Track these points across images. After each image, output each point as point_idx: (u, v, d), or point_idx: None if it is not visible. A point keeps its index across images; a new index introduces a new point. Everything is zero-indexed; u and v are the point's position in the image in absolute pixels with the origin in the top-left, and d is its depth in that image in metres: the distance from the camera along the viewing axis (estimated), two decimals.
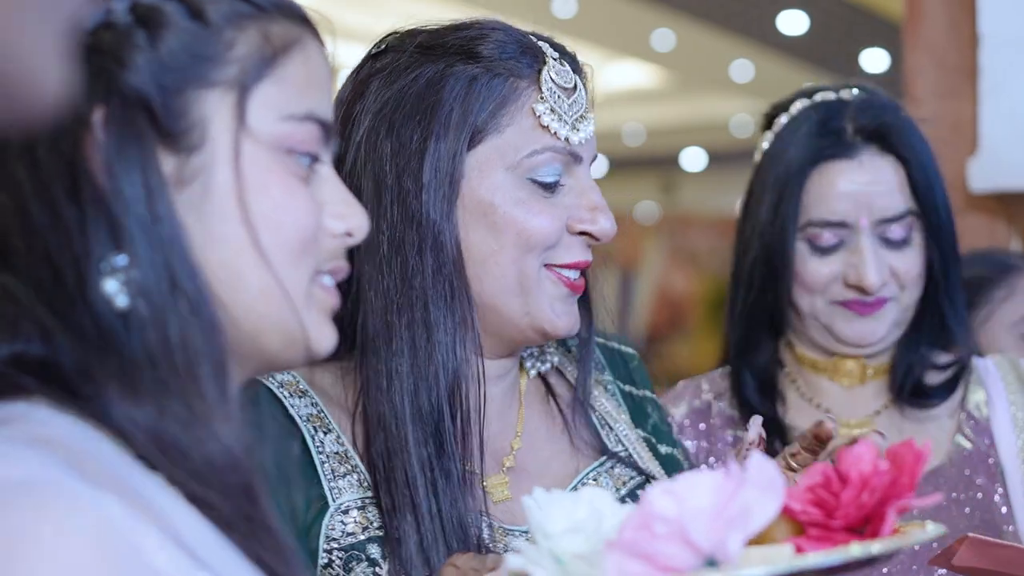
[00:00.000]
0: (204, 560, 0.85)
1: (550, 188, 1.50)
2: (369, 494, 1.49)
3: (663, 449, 1.71)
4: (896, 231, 2.00)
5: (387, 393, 1.47)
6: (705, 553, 1.15)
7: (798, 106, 2.06)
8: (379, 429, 1.47)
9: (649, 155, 9.71)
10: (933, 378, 2.08)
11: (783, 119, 2.06)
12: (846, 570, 1.21)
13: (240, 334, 0.98)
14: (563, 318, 1.52)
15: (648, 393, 1.76)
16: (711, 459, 2.04)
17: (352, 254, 1.48)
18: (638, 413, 1.71)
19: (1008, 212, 3.19)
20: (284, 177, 0.99)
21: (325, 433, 1.50)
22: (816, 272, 2.00)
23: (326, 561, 1.46)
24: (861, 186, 1.98)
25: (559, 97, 1.51)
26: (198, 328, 0.92)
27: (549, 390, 1.65)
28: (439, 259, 1.47)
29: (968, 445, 2.04)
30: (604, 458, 1.63)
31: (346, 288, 1.49)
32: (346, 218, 1.03)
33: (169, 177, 0.94)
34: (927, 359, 2.08)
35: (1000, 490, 2.01)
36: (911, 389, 2.06)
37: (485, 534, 1.50)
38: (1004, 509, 2.01)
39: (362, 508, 1.48)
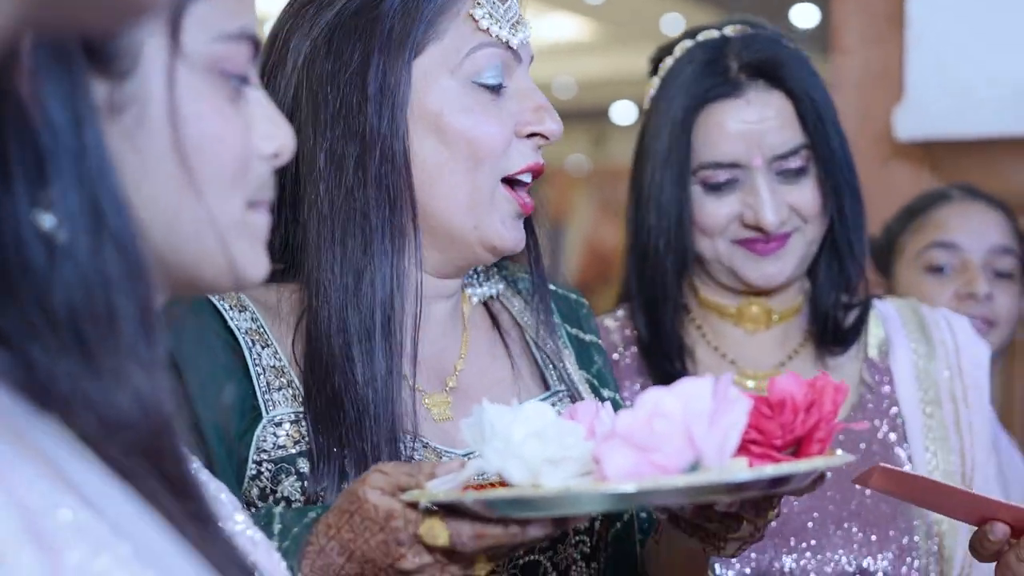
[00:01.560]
0: (104, 512, 0.81)
1: (495, 91, 1.51)
2: (303, 409, 1.50)
3: (606, 393, 1.74)
4: (791, 165, 1.97)
5: (324, 308, 1.48)
6: (700, 454, 1.21)
7: (682, 47, 2.02)
8: (316, 343, 1.49)
9: (579, 108, 9.71)
10: (842, 319, 2.08)
11: (668, 62, 2.03)
12: (784, 484, 1.31)
13: (170, 266, 0.96)
14: (512, 232, 1.54)
15: (595, 339, 1.79)
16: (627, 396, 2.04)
17: (289, 175, 1.50)
18: (583, 357, 1.75)
19: (933, 160, 3.23)
20: (217, 102, 0.95)
21: (263, 347, 1.52)
22: (713, 214, 1.98)
23: (255, 472, 1.48)
24: (750, 124, 1.96)
25: (495, 3, 1.52)
26: (124, 269, 0.86)
27: (494, 320, 1.68)
28: (381, 171, 1.47)
29: (870, 395, 2.05)
30: (547, 393, 1.66)
31: (286, 210, 1.52)
32: (274, 138, 1.01)
33: (100, 105, 0.89)
34: (833, 300, 2.07)
35: (900, 439, 2.03)
36: (821, 332, 2.06)
37: (418, 455, 1.52)
38: (904, 455, 2.03)
39: (295, 422, 1.50)
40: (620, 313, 2.10)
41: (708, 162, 1.97)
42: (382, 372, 1.49)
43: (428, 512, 1.30)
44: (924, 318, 2.12)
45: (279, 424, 1.49)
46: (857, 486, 1.86)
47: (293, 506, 1.47)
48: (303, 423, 1.50)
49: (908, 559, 1.96)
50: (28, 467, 0.78)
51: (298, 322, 1.54)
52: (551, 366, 1.68)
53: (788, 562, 1.93)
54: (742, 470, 1.24)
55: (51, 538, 0.75)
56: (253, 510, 1.46)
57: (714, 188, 1.98)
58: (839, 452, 1.36)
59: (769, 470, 1.26)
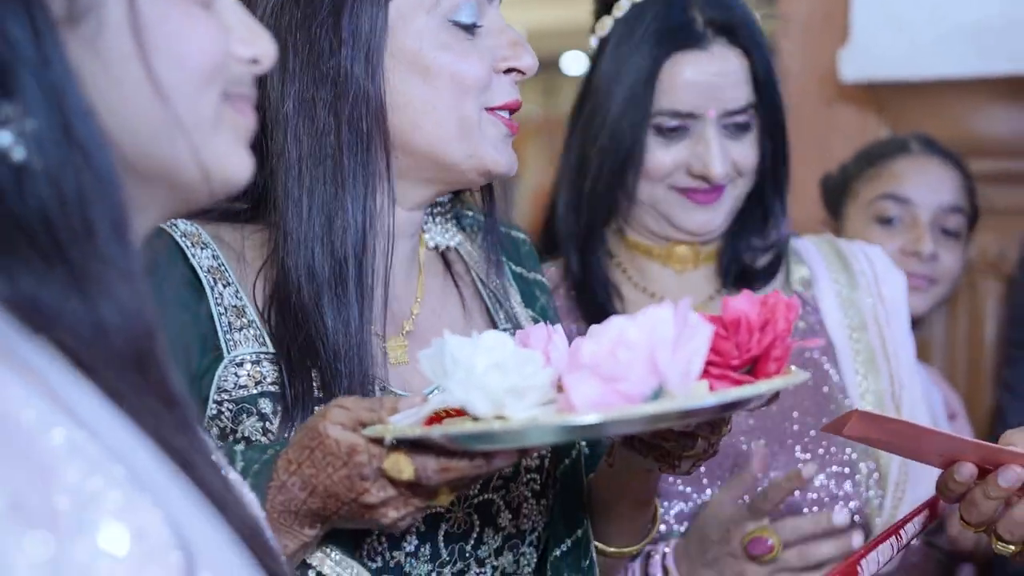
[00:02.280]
0: (98, 434, 0.81)
1: (470, 30, 1.52)
2: (264, 349, 1.51)
3: None
4: (738, 121, 2.03)
5: (296, 252, 1.48)
6: (664, 380, 1.23)
7: None
8: (286, 290, 1.49)
9: None
10: (757, 261, 2.13)
11: (624, 4, 2.04)
12: (743, 403, 1.33)
13: (145, 178, 0.93)
14: (505, 156, 1.55)
15: (539, 276, 1.81)
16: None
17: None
18: (528, 294, 1.77)
19: (878, 102, 3.23)
20: (183, 4, 0.92)
21: (224, 286, 1.52)
22: (660, 160, 2.02)
23: (215, 412, 1.48)
24: (711, 77, 2.00)
25: None
26: (94, 180, 0.85)
27: (447, 265, 1.69)
28: (355, 114, 1.48)
29: (801, 324, 2.10)
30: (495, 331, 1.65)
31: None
32: (252, 43, 0.98)
33: (59, 15, 0.86)
34: (751, 244, 2.13)
35: (832, 364, 2.09)
36: (736, 274, 2.11)
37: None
38: (837, 381, 2.08)
39: (256, 362, 1.50)
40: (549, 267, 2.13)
41: (666, 109, 2.01)
42: (355, 318, 1.49)
43: (392, 447, 1.31)
44: (842, 251, 2.18)
45: (240, 364, 1.49)
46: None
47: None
48: (264, 363, 1.50)
49: (847, 477, 2.01)
50: (23, 386, 0.78)
51: (262, 265, 1.54)
52: (499, 305, 1.70)
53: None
54: (706, 395, 1.26)
55: (45, 457, 0.76)
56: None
57: (664, 134, 2.02)
58: (794, 369, 1.38)
59: (733, 393, 1.28)
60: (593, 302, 2.07)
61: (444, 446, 1.28)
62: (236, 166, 0.98)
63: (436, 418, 1.34)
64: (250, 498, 1.10)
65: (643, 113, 2.01)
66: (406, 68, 1.50)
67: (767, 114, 2.05)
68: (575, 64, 10.21)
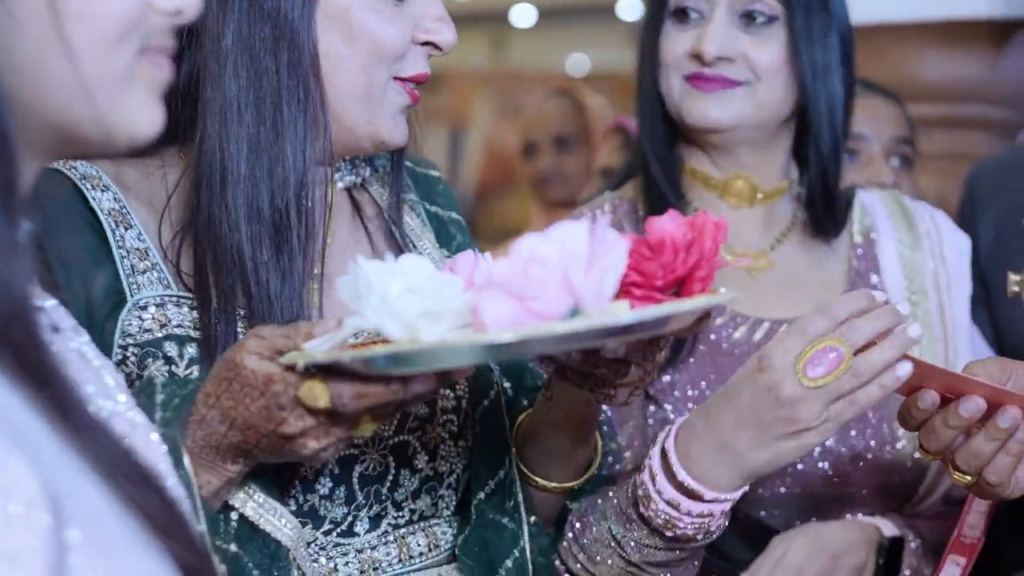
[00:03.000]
0: None
1: None
2: (169, 292, 1.50)
3: None
4: (756, 11, 1.96)
5: (222, 195, 1.47)
6: (579, 299, 1.20)
7: None
8: (209, 230, 1.48)
9: (478, 11, 9.61)
10: (840, 207, 2.06)
11: None
12: (668, 324, 1.30)
13: (55, 128, 0.93)
14: (401, 128, 1.57)
15: (454, 215, 1.80)
16: None
17: (185, 48, 1.49)
18: (443, 234, 1.76)
19: None
20: None
21: (126, 228, 1.50)
22: (672, 46, 1.99)
23: (120, 357, 1.47)
24: None
25: None
26: None
27: (355, 205, 1.68)
28: (294, 58, 1.48)
29: (861, 283, 2.04)
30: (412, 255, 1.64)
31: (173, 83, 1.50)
32: None
33: None
34: (825, 185, 2.04)
35: None
36: (823, 216, 2.03)
37: None
38: None
39: (161, 305, 1.49)
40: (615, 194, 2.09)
41: None
42: (299, 268, 1.49)
43: (308, 374, 1.29)
44: (908, 209, 2.12)
45: (144, 308, 1.48)
46: None
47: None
48: (169, 307, 1.49)
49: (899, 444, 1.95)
50: None
51: (167, 205, 1.52)
52: (411, 246, 1.69)
53: None
54: (623, 313, 1.22)
55: None
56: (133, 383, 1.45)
57: (681, 21, 1.99)
58: (722, 290, 1.36)
59: (649, 312, 1.24)
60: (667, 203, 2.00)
61: (359, 371, 1.26)
62: (145, 121, 0.97)
63: (357, 346, 1.32)
64: (153, 451, 1.08)
65: (661, 2, 2.00)
66: (332, 23, 1.50)
67: (796, 16, 1.96)
68: (523, 16, 10.17)
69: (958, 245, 2.10)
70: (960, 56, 3.05)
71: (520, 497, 1.64)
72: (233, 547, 1.39)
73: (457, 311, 1.23)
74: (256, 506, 1.41)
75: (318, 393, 1.27)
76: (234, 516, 1.41)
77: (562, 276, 1.19)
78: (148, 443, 1.11)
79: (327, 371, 1.28)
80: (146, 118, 0.97)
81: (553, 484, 1.67)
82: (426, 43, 1.55)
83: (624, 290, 1.28)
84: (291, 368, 1.29)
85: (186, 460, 1.32)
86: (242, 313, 1.49)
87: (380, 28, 1.51)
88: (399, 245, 1.69)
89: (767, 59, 1.96)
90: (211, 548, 1.33)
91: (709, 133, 2.00)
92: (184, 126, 1.52)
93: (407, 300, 1.21)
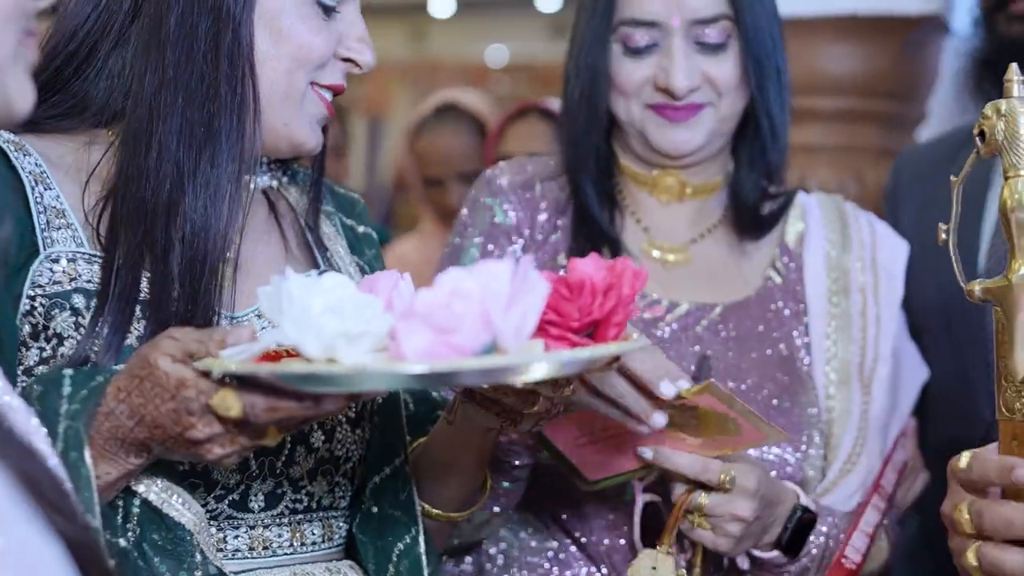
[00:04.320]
0: None
1: (328, 11, 1.59)
2: (82, 250, 1.52)
3: None
4: (711, 35, 1.97)
5: (146, 158, 1.50)
6: (497, 335, 1.22)
7: None
8: (127, 188, 1.50)
9: (397, 2, 9.60)
10: (763, 207, 2.08)
11: None
12: (579, 368, 1.34)
13: None
14: (316, 136, 1.63)
15: (369, 231, 1.84)
16: (526, 231, 2.03)
17: (101, 30, 1.54)
18: (355, 245, 1.80)
19: None
20: None
21: (46, 189, 1.53)
22: (629, 75, 1.99)
23: (28, 308, 1.48)
24: None
25: None
26: None
27: (270, 206, 1.71)
28: (234, 50, 1.53)
29: (779, 279, 2.06)
30: (319, 272, 1.68)
31: (87, 63, 1.57)
32: None
33: None
34: (760, 186, 2.07)
35: (802, 327, 2.04)
36: (739, 216, 2.06)
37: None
38: (802, 346, 2.03)
39: (72, 260, 1.51)
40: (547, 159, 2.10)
41: (628, 19, 1.98)
42: (218, 250, 1.51)
43: (221, 382, 1.30)
44: (845, 212, 2.13)
45: (56, 260, 1.50)
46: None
47: (66, 343, 1.47)
48: (80, 262, 1.51)
49: (803, 447, 1.98)
50: None
51: (88, 178, 1.55)
52: (325, 250, 1.73)
53: None
54: (537, 354, 1.25)
55: None
56: (39, 369, 1.46)
57: (634, 52, 1.99)
58: (635, 336, 1.39)
59: (565, 355, 1.27)
60: (593, 224, 2.03)
61: (273, 385, 1.27)
62: (25, 97, 1.00)
63: (272, 357, 1.33)
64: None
65: (606, 23, 1.99)
66: (264, 23, 1.56)
67: (748, 28, 1.98)
68: (442, 7, 10.17)
69: (893, 249, 2.12)
70: (861, 51, 3.10)
71: (412, 488, 1.67)
72: (122, 542, 1.40)
73: (376, 333, 1.24)
74: (159, 491, 1.43)
75: (231, 403, 1.29)
76: (136, 501, 1.42)
77: (482, 312, 1.21)
78: (28, 424, 1.11)
79: (241, 381, 1.29)
80: (26, 97, 1.00)
81: (436, 512, 1.70)
82: (347, 60, 1.61)
83: (540, 327, 1.30)
84: (205, 374, 1.30)
85: (87, 452, 1.33)
86: (147, 276, 1.51)
87: (306, 35, 1.57)
88: (311, 248, 1.72)
89: (727, 77, 1.99)
90: (103, 540, 1.34)
91: (680, 158, 2.02)
92: (114, 112, 1.57)
93: (328, 319, 1.22)
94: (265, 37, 1.56)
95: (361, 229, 1.82)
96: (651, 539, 1.85)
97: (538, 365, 1.25)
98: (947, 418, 2.22)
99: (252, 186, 1.65)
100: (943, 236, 1.53)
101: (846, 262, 2.08)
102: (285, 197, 1.74)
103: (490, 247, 2.03)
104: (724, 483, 1.75)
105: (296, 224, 1.73)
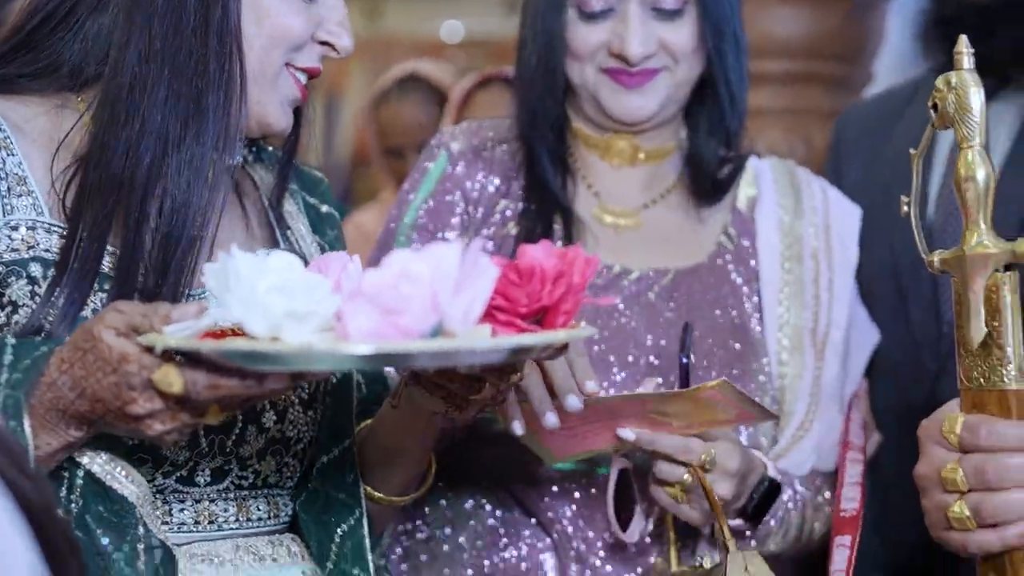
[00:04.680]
0: None
1: None
2: (42, 219, 1.50)
3: None
4: (668, 1, 1.96)
5: (127, 153, 1.49)
6: (444, 319, 1.21)
7: None
8: (102, 157, 1.49)
9: None
10: (719, 171, 2.07)
11: None
12: (526, 352, 1.34)
13: None
14: (286, 117, 1.62)
15: (332, 211, 1.83)
16: (474, 195, 2.02)
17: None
18: (318, 225, 1.79)
19: None
20: None
21: (9, 155, 1.51)
22: (584, 40, 1.98)
23: None
24: None
25: None
26: None
27: (234, 183, 1.69)
28: (224, 26, 1.52)
29: (730, 245, 2.06)
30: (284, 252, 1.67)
31: (61, 26, 1.55)
32: None
33: None
34: (716, 152, 2.07)
35: (754, 293, 2.04)
36: (693, 180, 2.05)
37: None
38: (754, 312, 2.03)
39: (32, 229, 1.50)
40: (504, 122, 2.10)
41: None
42: (197, 227, 1.50)
43: (164, 358, 1.29)
44: (797, 177, 2.13)
45: (15, 228, 1.49)
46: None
47: (20, 311, 1.47)
48: (39, 231, 1.49)
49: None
50: None
51: (59, 146, 1.53)
52: (286, 228, 1.72)
53: None
54: (483, 339, 1.25)
55: None
56: None
57: (589, 16, 1.97)
58: (583, 325, 1.39)
59: (510, 341, 1.27)
60: (545, 190, 2.02)
61: (216, 363, 1.27)
62: None
63: (218, 335, 1.32)
64: None
65: None
66: (247, 2, 1.55)
67: None
68: None
69: (845, 215, 2.11)
70: (808, 14, 3.12)
71: (359, 471, 1.67)
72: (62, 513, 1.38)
73: (323, 314, 1.23)
74: (103, 463, 1.43)
75: (172, 379, 1.28)
76: (80, 473, 1.42)
77: (430, 294, 1.20)
78: None
79: (184, 357, 1.28)
80: None
81: (379, 495, 1.70)
82: (324, 43, 1.61)
83: (488, 313, 1.29)
84: (148, 349, 1.29)
85: (26, 421, 1.33)
86: (110, 250, 1.50)
87: (287, 16, 1.57)
88: (272, 226, 1.71)
89: (683, 43, 1.97)
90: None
91: (634, 124, 2.01)
92: (87, 78, 1.56)
93: (274, 298, 1.22)
94: (248, 15, 1.56)
95: (324, 209, 1.82)
96: (623, 503, 1.87)
97: (483, 350, 1.25)
98: (893, 377, 2.25)
99: (235, 162, 1.63)
100: (905, 208, 1.55)
101: (799, 228, 2.07)
102: (250, 175, 1.74)
103: (432, 204, 2.02)
104: (705, 463, 1.75)
105: (259, 202, 1.72)
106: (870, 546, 2.25)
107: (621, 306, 1.98)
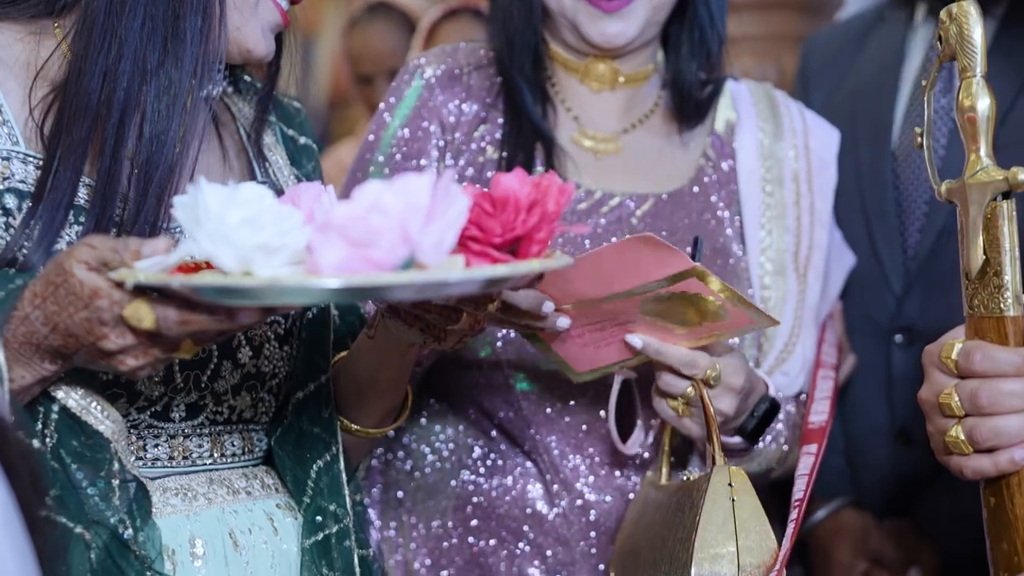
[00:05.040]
0: None
1: None
2: (17, 148, 1.49)
3: None
4: None
5: (105, 78, 1.47)
6: (415, 251, 1.19)
7: None
8: (79, 82, 1.47)
9: None
10: (698, 93, 2.05)
11: None
12: (501, 282, 1.31)
13: None
14: (268, 43, 1.60)
15: (309, 142, 1.81)
16: (450, 121, 2.00)
17: None
18: (296, 156, 1.77)
19: None
20: None
21: None
22: None
23: None
24: None
25: None
26: None
27: (211, 114, 1.68)
28: None
29: (711, 169, 2.04)
30: (256, 183, 1.66)
31: None
32: None
33: None
34: (696, 73, 2.04)
35: (735, 217, 2.03)
36: (674, 101, 2.03)
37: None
38: (735, 236, 2.02)
39: (7, 159, 1.49)
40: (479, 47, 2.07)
41: None
42: (175, 155, 1.48)
43: (135, 293, 1.28)
44: (776, 99, 2.11)
45: None
46: None
47: None
48: (15, 162, 1.48)
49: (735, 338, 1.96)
50: None
51: (37, 74, 1.51)
52: (264, 160, 1.70)
53: None
54: (456, 271, 1.23)
55: None
56: None
57: None
58: (557, 253, 1.38)
59: (483, 272, 1.25)
60: (525, 116, 2.00)
61: (187, 297, 1.26)
62: None
63: (191, 269, 1.31)
64: None
65: None
66: None
67: None
68: None
69: (825, 137, 2.11)
70: None
71: (334, 406, 1.67)
72: (36, 443, 1.39)
73: (293, 247, 1.22)
74: (78, 398, 1.43)
75: (143, 314, 1.28)
76: (55, 407, 1.42)
77: (401, 226, 1.18)
78: None
79: (154, 292, 1.28)
80: None
81: (356, 427, 1.70)
82: None
83: (461, 243, 1.28)
84: (120, 285, 1.29)
85: (1, 354, 1.33)
86: (85, 181, 1.49)
87: None
88: (250, 158, 1.70)
89: None
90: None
91: (614, 49, 1.99)
92: (65, 3, 1.54)
93: (244, 231, 1.20)
94: None
95: (302, 140, 1.80)
96: (625, 416, 1.88)
97: (457, 282, 1.23)
98: (860, 298, 2.26)
99: (215, 92, 1.62)
100: (919, 140, 1.55)
101: (779, 150, 2.06)
102: (228, 105, 1.72)
103: (407, 132, 2.00)
104: (710, 379, 1.75)
105: (237, 134, 1.71)
106: (836, 467, 2.28)
107: (603, 231, 1.97)
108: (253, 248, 1.21)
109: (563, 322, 1.69)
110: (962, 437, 1.44)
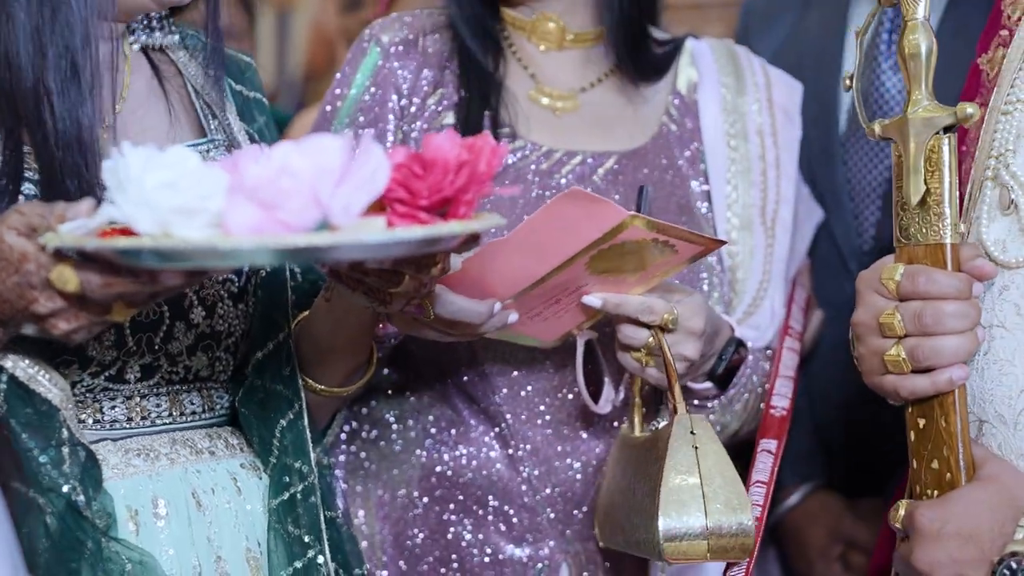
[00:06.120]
0: None
1: None
2: None
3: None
4: None
5: (11, 65, 1.46)
6: (327, 213, 1.19)
7: None
8: (8, 100, 1.47)
9: None
10: (652, 52, 2.05)
11: None
12: (433, 244, 1.31)
13: None
14: None
15: (260, 96, 1.79)
16: (405, 88, 1.99)
17: None
18: (246, 112, 1.76)
19: None
20: None
21: None
22: None
23: None
24: None
25: None
26: None
27: (154, 69, 1.67)
28: None
29: (673, 127, 2.04)
30: (204, 140, 1.67)
31: None
32: None
33: None
34: (646, 29, 2.04)
35: (699, 175, 2.02)
36: (627, 60, 2.02)
37: None
38: (700, 193, 2.02)
39: None
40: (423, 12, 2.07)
41: None
42: (87, 113, 1.47)
43: (61, 257, 1.30)
44: (737, 55, 2.11)
45: None
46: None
47: None
48: None
49: (705, 287, 1.98)
50: None
51: None
52: (212, 116, 1.69)
53: None
54: (372, 232, 1.23)
55: None
56: None
57: None
58: (486, 214, 1.37)
59: (397, 234, 1.25)
60: (480, 76, 1.99)
61: (109, 260, 1.27)
62: None
63: (121, 232, 1.30)
64: None
65: None
66: None
67: None
68: None
69: (788, 90, 2.10)
70: None
71: (296, 363, 1.67)
72: None
73: (212, 210, 1.22)
74: (26, 367, 1.44)
75: (67, 277, 1.29)
76: (3, 377, 1.43)
77: (310, 189, 1.18)
78: None
79: (81, 256, 1.29)
80: None
81: (321, 387, 1.70)
82: None
83: (389, 204, 1.27)
84: (46, 248, 1.30)
85: None
86: (27, 150, 1.49)
87: None
88: (200, 114, 1.69)
89: None
90: None
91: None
92: None
93: (163, 194, 1.20)
94: None
95: (251, 94, 1.78)
96: (592, 376, 1.88)
97: (371, 244, 1.23)
98: (819, 282, 2.26)
99: (135, 47, 1.59)
100: (847, 83, 1.58)
101: (743, 105, 2.06)
102: (172, 60, 1.70)
103: (367, 97, 1.99)
104: (668, 323, 1.75)
105: (184, 88, 1.69)
106: (805, 447, 2.28)
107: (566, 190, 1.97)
108: (170, 210, 1.21)
109: (512, 317, 1.69)
110: (903, 356, 1.48)
